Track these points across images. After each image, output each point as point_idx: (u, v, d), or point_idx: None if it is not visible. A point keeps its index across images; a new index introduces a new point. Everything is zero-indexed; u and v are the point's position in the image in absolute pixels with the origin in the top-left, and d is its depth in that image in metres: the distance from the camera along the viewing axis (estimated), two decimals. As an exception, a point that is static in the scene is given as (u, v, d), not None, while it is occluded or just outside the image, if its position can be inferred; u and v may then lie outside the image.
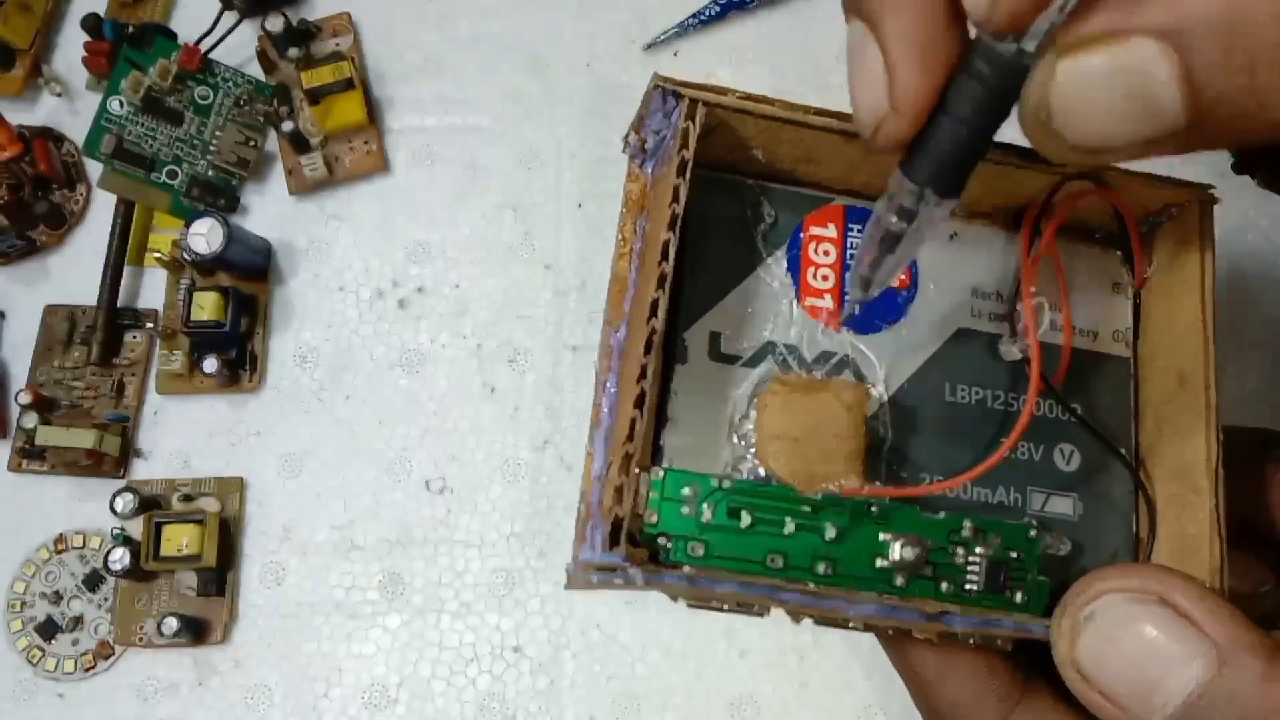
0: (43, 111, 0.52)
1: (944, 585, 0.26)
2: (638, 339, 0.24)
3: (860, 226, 0.29)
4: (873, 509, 0.26)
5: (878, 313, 0.29)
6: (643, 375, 0.24)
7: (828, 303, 0.28)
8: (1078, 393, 0.29)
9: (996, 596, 0.26)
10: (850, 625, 0.25)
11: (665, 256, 0.24)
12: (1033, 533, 0.26)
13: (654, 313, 0.24)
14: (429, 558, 0.47)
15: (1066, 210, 0.28)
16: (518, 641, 0.47)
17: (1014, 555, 0.26)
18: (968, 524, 0.26)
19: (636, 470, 0.24)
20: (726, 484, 0.25)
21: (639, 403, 0.23)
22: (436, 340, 0.50)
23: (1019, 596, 0.26)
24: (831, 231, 0.29)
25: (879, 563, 0.26)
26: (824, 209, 0.29)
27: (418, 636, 0.47)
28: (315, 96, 0.50)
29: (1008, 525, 0.26)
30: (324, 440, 0.49)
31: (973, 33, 0.21)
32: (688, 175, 0.25)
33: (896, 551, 0.25)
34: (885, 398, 0.28)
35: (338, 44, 0.52)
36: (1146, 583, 0.22)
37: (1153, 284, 0.30)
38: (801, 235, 0.29)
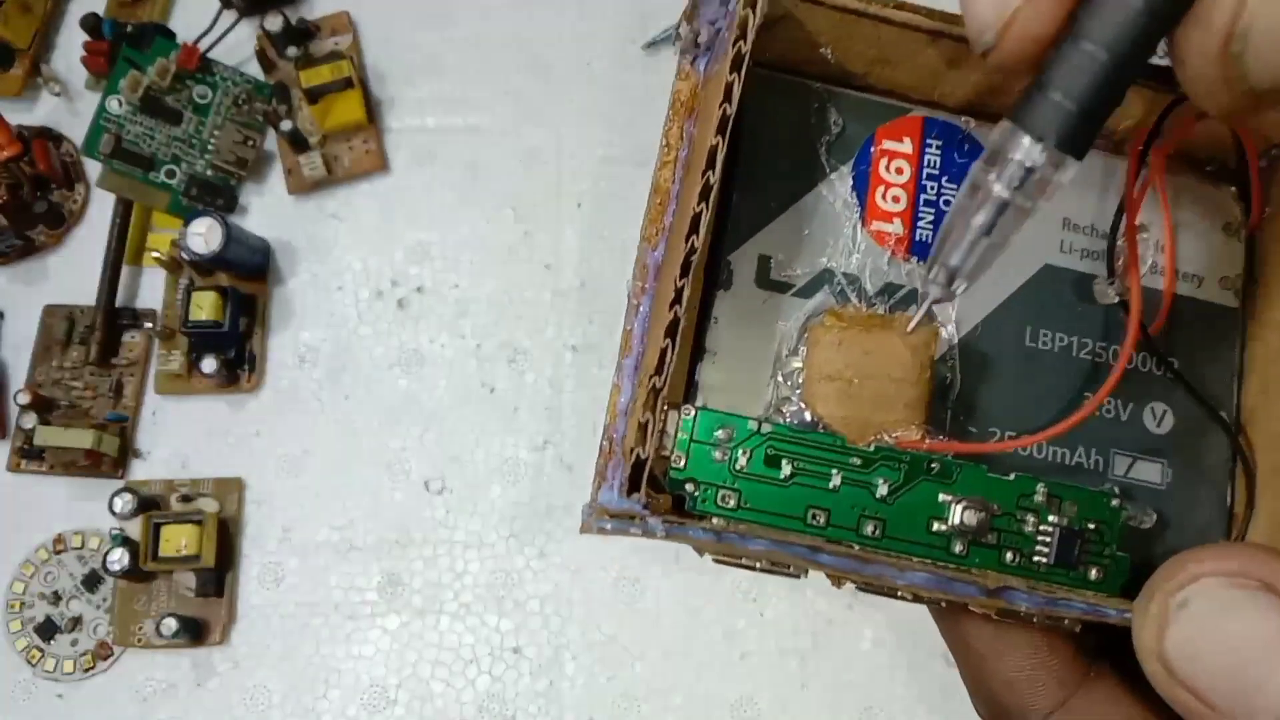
0: (42, 111, 0.52)
1: (1009, 556, 0.23)
2: (675, 258, 0.22)
3: (941, 142, 0.26)
4: (933, 465, 0.23)
5: None
6: (677, 299, 0.21)
7: (897, 228, 0.25)
8: (1174, 345, 0.26)
9: (1067, 572, 0.23)
10: (899, 595, 0.23)
11: (711, 165, 0.21)
12: (1115, 501, 0.23)
13: (694, 229, 0.21)
14: (428, 558, 0.47)
15: (1180, 136, 0.24)
16: (517, 642, 0.46)
17: (1091, 526, 0.23)
18: (1041, 488, 0.23)
19: (664, 407, 0.21)
20: (766, 428, 0.23)
21: (671, 330, 0.21)
22: (436, 340, 0.50)
23: (1094, 573, 0.23)
24: (906, 146, 0.26)
25: (936, 526, 0.23)
26: (899, 120, 0.26)
27: (417, 637, 0.46)
28: (314, 96, 0.49)
29: (1087, 492, 0.23)
30: (323, 441, 0.49)
31: None
32: (743, 72, 0.22)
33: (957, 515, 0.23)
34: (955, 339, 0.25)
35: (337, 43, 0.52)
36: (1248, 565, 0.19)
37: (1271, 226, 0.26)
38: (872, 149, 0.26)
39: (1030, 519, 0.23)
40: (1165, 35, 0.17)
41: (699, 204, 0.21)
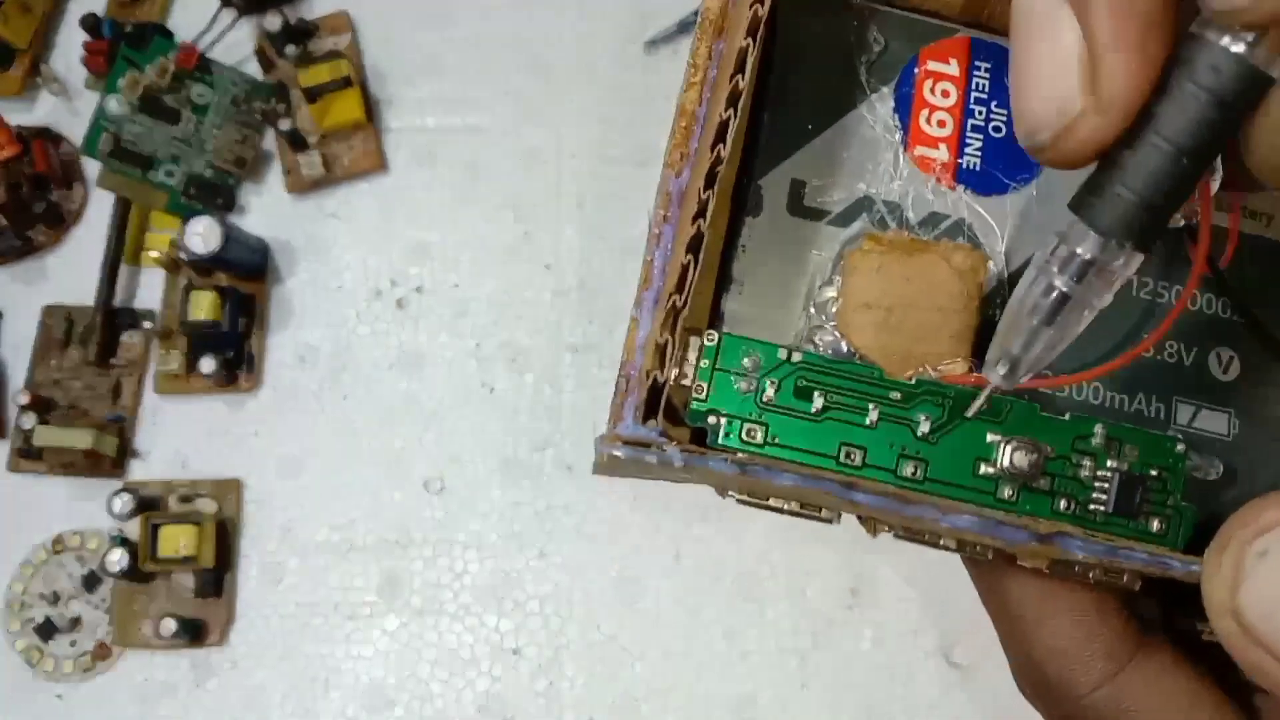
0: (41, 111, 0.52)
1: (1062, 503, 0.21)
2: (701, 176, 0.20)
3: (989, 65, 0.24)
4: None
5: (1005, 168, 0.24)
6: (701, 214, 0.19)
7: (942, 154, 0.24)
8: (1241, 287, 0.24)
9: (1127, 522, 0.21)
10: (941, 542, 0.21)
11: (741, 69, 0.20)
12: (1180, 447, 0.22)
13: (721, 138, 0.20)
14: (428, 559, 0.47)
15: None
16: (517, 643, 0.46)
17: (1154, 473, 0.21)
18: (1099, 429, 0.21)
19: (685, 331, 0.20)
20: (796, 357, 0.21)
21: (694, 246, 0.20)
22: (435, 340, 0.50)
23: (1155, 525, 0.21)
24: (953, 68, 0.24)
25: (983, 469, 0.21)
26: (945, 41, 0.24)
27: (417, 638, 0.46)
28: (313, 95, 0.49)
29: (1150, 435, 0.22)
30: (322, 441, 0.48)
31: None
32: None
33: (1006, 456, 0.21)
34: (1005, 273, 0.23)
35: (336, 42, 0.52)
36: None
37: None
38: (915, 70, 0.24)
39: (1087, 463, 0.21)
40: (1236, 130, 0.17)
41: (726, 110, 0.20)
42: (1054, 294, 0.19)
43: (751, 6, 0.20)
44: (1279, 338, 0.24)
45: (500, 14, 0.53)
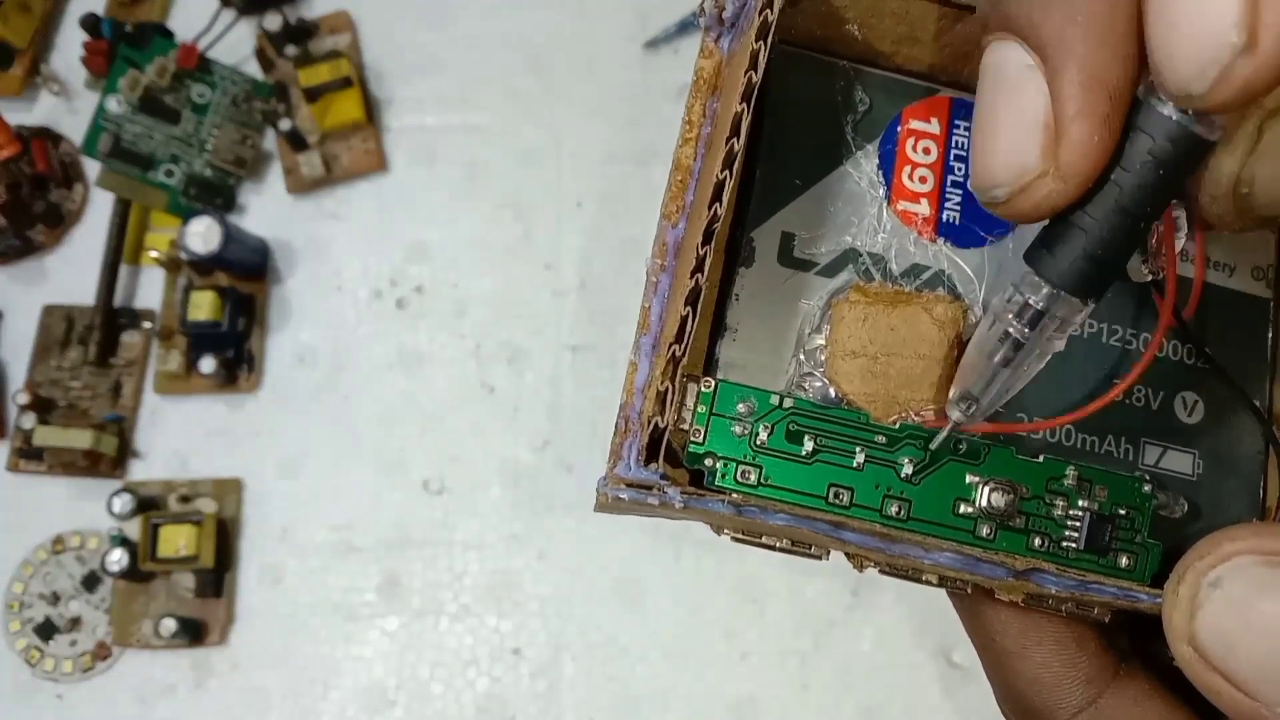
0: (41, 111, 0.52)
1: (1037, 541, 0.22)
2: (697, 230, 0.21)
3: (969, 124, 0.25)
4: (960, 445, 0.23)
5: (983, 223, 0.25)
6: (698, 268, 0.21)
7: (924, 208, 0.25)
8: (1205, 335, 0.25)
9: (1098, 559, 0.23)
10: (924, 578, 0.22)
11: (736, 133, 0.21)
12: (1147, 487, 0.23)
13: (717, 197, 0.21)
14: (428, 559, 0.47)
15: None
16: (517, 643, 0.46)
17: (1123, 512, 0.23)
18: (1071, 471, 0.23)
19: (684, 378, 0.21)
20: (788, 403, 0.23)
21: (692, 299, 0.21)
22: (435, 340, 0.50)
23: (1124, 561, 0.23)
24: (934, 127, 0.25)
25: (962, 508, 0.22)
26: (926, 100, 0.26)
27: (416, 638, 0.46)
28: (313, 95, 0.49)
29: (1118, 477, 0.23)
30: (322, 441, 0.48)
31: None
32: (769, 40, 0.21)
33: (984, 496, 0.22)
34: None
35: (336, 42, 0.52)
36: None
37: None
38: (898, 129, 0.25)
39: (1060, 503, 0.23)
40: (1180, 189, 0.18)
41: (723, 171, 0.21)
42: (1009, 340, 0.20)
43: (746, 73, 0.21)
44: (1240, 383, 0.25)
45: (500, 14, 0.53)
